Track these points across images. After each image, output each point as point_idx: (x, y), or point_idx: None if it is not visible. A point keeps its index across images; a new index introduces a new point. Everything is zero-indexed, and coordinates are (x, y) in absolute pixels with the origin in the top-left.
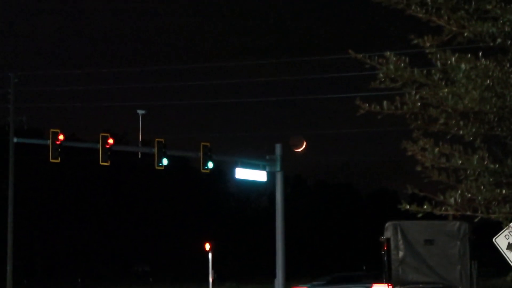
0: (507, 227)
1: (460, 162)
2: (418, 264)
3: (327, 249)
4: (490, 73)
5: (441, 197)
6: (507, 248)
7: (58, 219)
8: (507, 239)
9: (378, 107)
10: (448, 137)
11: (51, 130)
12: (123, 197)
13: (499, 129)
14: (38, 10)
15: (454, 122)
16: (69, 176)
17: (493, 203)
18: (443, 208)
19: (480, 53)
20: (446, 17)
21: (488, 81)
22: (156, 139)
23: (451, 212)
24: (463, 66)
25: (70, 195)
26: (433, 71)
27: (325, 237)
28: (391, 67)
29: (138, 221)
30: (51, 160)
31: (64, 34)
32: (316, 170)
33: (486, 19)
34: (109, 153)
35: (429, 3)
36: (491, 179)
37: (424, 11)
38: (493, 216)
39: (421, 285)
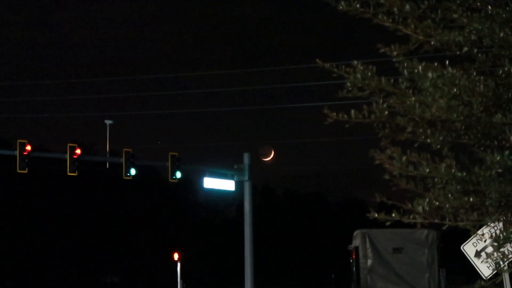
0: (475, 234)
1: (427, 170)
2: (386, 272)
3: (296, 257)
4: (457, 82)
5: (409, 205)
6: (475, 256)
7: (25, 230)
8: (475, 246)
9: (346, 116)
10: (416, 145)
11: (18, 140)
12: (91, 207)
13: (466, 137)
14: (5, 21)
15: (421, 130)
16: (36, 187)
17: (461, 211)
18: (411, 216)
19: (447, 62)
20: (413, 26)
21: (455, 90)
22: (124, 149)
23: (419, 220)
24: (430, 74)
25: (37, 205)
26: (400, 80)
27: (294, 246)
28: (359, 76)
29: (106, 231)
30: (19, 171)
31: (32, 45)
32: (284, 179)
33: (452, 28)
34: (76, 163)
35: (396, 12)
36: (458, 187)
37: (391, 20)
38: (461, 224)
39: None
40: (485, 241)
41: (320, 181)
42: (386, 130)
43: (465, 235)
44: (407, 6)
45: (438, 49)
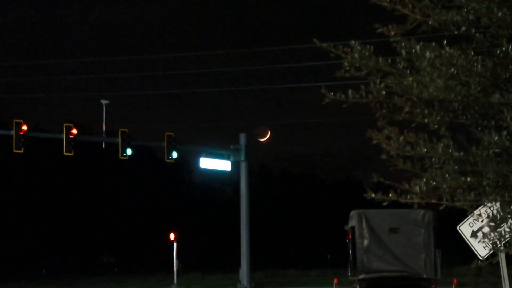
0: (472, 215)
1: (425, 150)
2: (383, 252)
3: (292, 238)
4: (455, 62)
5: (406, 186)
6: (471, 236)
7: (21, 209)
8: (471, 227)
9: (343, 96)
10: (413, 125)
11: (15, 120)
12: (87, 187)
13: (464, 117)
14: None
15: (419, 110)
16: (32, 167)
17: (458, 191)
18: (409, 197)
19: (445, 42)
20: (410, 6)
21: (452, 70)
22: (120, 129)
23: (416, 200)
24: (427, 54)
25: (33, 186)
26: (398, 60)
27: (290, 226)
28: (356, 56)
29: (102, 211)
30: (15, 151)
31: (28, 24)
32: (280, 159)
33: (450, 8)
34: (73, 143)
35: None
36: (456, 167)
37: (388, 0)
38: (458, 204)
39: (385, 274)
40: (482, 221)
41: (316, 162)
42: (384, 110)
43: (461, 216)
44: None
45: (436, 29)
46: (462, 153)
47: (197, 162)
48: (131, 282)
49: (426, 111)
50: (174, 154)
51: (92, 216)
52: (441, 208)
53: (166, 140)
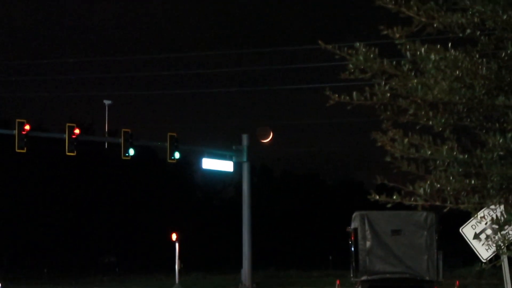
0: (475, 216)
1: (429, 152)
2: (385, 254)
3: (294, 238)
4: (459, 64)
5: (410, 188)
6: (473, 238)
7: (24, 209)
8: (474, 229)
9: (348, 97)
10: (418, 127)
11: (17, 120)
12: (89, 187)
13: (468, 120)
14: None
15: (423, 112)
16: (35, 167)
17: (462, 193)
18: (413, 199)
19: (450, 44)
20: (415, 8)
21: (457, 72)
22: (123, 130)
23: (420, 202)
24: (432, 56)
25: (36, 185)
26: (402, 62)
27: (292, 227)
28: (361, 57)
29: (104, 211)
30: (17, 150)
31: (31, 23)
32: (282, 160)
33: (455, 10)
34: (75, 143)
35: None
36: (460, 170)
37: (393, 2)
38: (462, 206)
39: (388, 275)
40: (486, 223)
41: (318, 163)
42: (388, 112)
43: (463, 218)
44: None
45: (441, 31)
46: (466, 156)
47: (199, 162)
48: (133, 282)
49: (430, 113)
50: (177, 155)
51: (94, 216)
52: (445, 210)
53: (168, 140)
